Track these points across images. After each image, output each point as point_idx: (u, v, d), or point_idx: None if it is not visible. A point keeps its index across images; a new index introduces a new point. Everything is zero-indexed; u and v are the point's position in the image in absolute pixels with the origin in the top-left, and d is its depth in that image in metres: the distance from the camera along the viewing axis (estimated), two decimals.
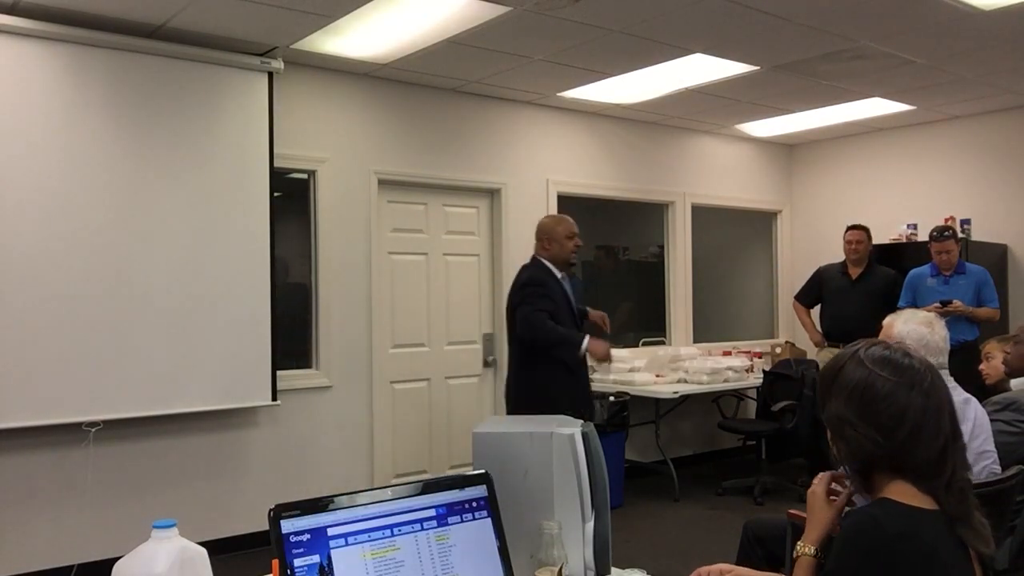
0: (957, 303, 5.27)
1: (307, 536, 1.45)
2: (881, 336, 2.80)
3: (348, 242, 5.12)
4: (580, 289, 6.54)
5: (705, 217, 7.09)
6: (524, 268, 4.25)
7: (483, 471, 1.71)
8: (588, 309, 4.47)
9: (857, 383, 1.54)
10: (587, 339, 4.08)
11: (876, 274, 5.92)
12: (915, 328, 2.72)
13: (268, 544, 1.45)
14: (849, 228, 5.98)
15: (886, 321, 2.83)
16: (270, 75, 4.66)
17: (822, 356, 6.04)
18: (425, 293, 5.49)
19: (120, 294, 4.18)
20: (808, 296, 6.26)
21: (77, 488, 4.20)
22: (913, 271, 5.64)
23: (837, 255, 6.12)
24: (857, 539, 1.44)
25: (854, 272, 5.95)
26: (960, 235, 6.15)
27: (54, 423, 4.03)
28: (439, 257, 5.54)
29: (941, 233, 5.49)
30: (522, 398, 4.17)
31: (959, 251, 5.49)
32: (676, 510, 5.56)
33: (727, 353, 6.55)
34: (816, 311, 6.27)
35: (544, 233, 4.22)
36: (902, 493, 1.47)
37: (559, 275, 4.17)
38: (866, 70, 5.18)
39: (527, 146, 5.96)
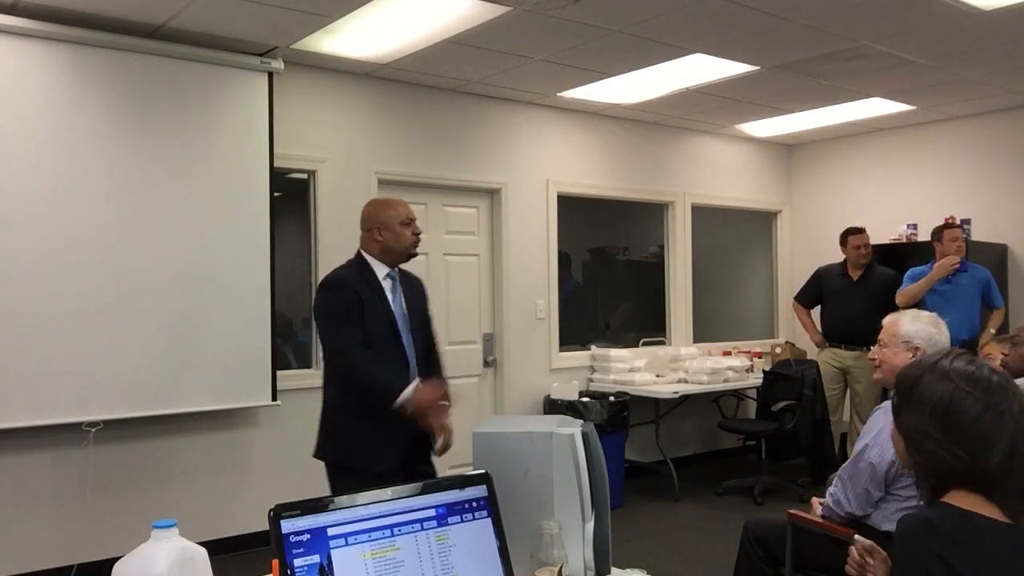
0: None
1: (307, 536, 1.45)
2: (883, 335, 2.80)
3: (348, 242, 5.07)
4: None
5: (705, 217, 7.08)
6: (347, 263, 3.23)
7: (483, 471, 1.71)
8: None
9: (940, 398, 1.47)
10: (413, 386, 2.89)
11: (877, 275, 5.92)
12: (923, 328, 2.72)
13: (268, 544, 1.45)
14: (851, 233, 5.93)
15: (888, 320, 2.83)
16: (270, 75, 4.66)
17: (823, 356, 6.04)
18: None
19: (120, 294, 4.18)
20: (808, 297, 6.25)
21: (77, 488, 4.20)
22: (914, 269, 5.62)
23: (837, 255, 6.11)
24: (912, 543, 1.40)
25: (855, 274, 5.94)
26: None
27: (54, 423, 4.03)
28: (439, 257, 5.54)
29: (953, 223, 5.65)
30: (329, 447, 3.04)
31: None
32: (676, 510, 5.56)
33: (727, 353, 6.54)
34: (815, 312, 6.27)
35: (373, 221, 3.15)
36: (967, 500, 1.43)
37: (382, 274, 3.13)
38: (866, 70, 5.18)
39: (527, 146, 5.96)
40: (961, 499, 1.43)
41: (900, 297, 5.44)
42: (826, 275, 6.13)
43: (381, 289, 3.11)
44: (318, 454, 3.07)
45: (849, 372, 5.91)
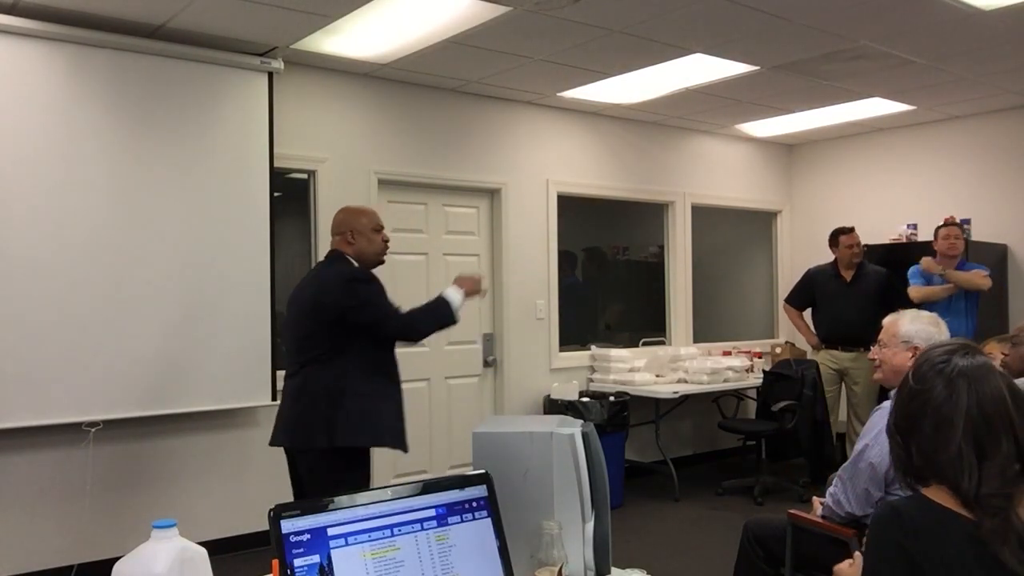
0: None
1: (307, 536, 1.45)
2: (883, 335, 2.80)
3: None
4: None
5: (705, 217, 7.08)
6: (331, 262, 3.40)
7: (483, 471, 1.71)
8: None
9: (898, 388, 1.57)
10: (453, 289, 3.47)
11: (869, 274, 5.90)
12: (923, 327, 2.72)
13: (268, 544, 1.45)
14: (842, 233, 5.91)
15: (888, 320, 2.83)
16: (270, 75, 4.66)
17: (820, 358, 6.03)
18: (425, 293, 5.42)
19: (120, 294, 4.18)
20: (800, 299, 6.21)
21: (77, 488, 4.20)
22: (917, 267, 5.62)
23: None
24: (877, 530, 1.44)
25: (847, 274, 5.92)
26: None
27: (54, 423, 4.03)
28: (439, 257, 5.53)
29: (952, 222, 5.61)
30: (357, 427, 3.23)
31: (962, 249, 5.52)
32: (676, 510, 5.56)
33: (727, 353, 6.54)
34: (807, 313, 6.24)
35: (346, 226, 3.41)
36: (940, 494, 1.45)
37: None
38: (866, 70, 5.18)
39: (527, 146, 5.96)
40: (936, 493, 1.46)
41: (914, 292, 5.43)
42: (818, 277, 6.09)
43: None
44: (336, 440, 3.19)
45: (847, 373, 5.90)
